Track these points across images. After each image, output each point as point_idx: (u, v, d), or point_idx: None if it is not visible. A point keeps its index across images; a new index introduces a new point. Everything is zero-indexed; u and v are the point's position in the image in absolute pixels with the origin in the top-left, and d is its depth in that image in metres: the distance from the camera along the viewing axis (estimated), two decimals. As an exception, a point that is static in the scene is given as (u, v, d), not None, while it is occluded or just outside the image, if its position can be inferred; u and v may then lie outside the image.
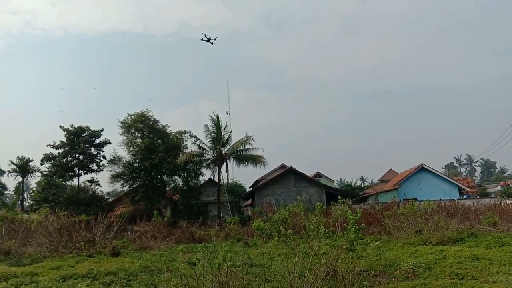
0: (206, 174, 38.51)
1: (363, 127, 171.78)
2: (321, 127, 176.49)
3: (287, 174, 36.91)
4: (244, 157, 34.88)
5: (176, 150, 35.38)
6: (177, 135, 36.86)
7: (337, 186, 70.08)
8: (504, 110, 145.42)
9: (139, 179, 34.21)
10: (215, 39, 42.42)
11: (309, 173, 47.97)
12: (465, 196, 43.52)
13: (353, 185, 70.23)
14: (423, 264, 10.35)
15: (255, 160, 34.40)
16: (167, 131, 36.17)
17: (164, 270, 9.44)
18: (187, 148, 36.31)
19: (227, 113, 45.34)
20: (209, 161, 35.44)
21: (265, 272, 7.13)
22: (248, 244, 17.55)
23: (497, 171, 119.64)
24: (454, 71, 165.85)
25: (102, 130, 36.18)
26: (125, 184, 35.05)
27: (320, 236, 7.71)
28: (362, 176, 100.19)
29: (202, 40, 42.58)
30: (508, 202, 29.34)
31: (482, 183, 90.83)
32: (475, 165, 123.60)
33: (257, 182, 46.25)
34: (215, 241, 18.95)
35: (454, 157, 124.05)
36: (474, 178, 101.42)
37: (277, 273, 6.84)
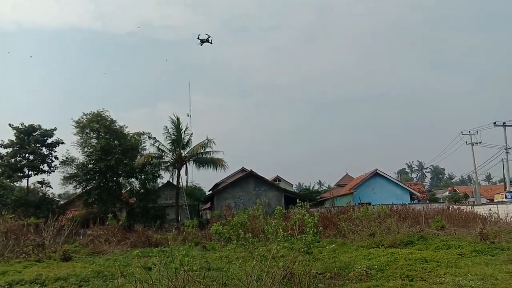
0: (165, 177, 37.78)
1: (321, 132, 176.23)
2: (281, 132, 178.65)
3: (247, 177, 37.00)
4: (204, 160, 34.54)
5: (133, 151, 34.42)
6: (135, 136, 35.90)
7: (295, 190, 71.05)
8: (453, 119, 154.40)
9: (93, 181, 32.94)
10: (210, 38, 39.42)
11: (269, 177, 48.33)
12: (415, 200, 45.61)
13: (311, 189, 71.51)
14: (376, 266, 10.74)
15: (215, 163, 34.17)
16: (125, 132, 35.15)
17: (118, 275, 9.17)
18: (145, 150, 35.44)
19: (188, 115, 44.76)
20: (168, 163, 34.77)
21: (222, 276, 7.11)
22: (206, 248, 17.40)
23: (445, 177, 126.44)
24: (406, 82, 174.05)
25: (55, 129, 34.58)
26: (78, 186, 33.62)
27: (278, 240, 7.80)
28: (319, 181, 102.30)
29: (199, 42, 39.34)
30: (455, 207, 31.09)
31: (431, 189, 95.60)
32: (425, 172, 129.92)
33: (216, 185, 46.01)
34: (173, 245, 18.69)
35: (406, 164, 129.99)
36: (424, 183, 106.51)
37: (235, 276, 6.83)
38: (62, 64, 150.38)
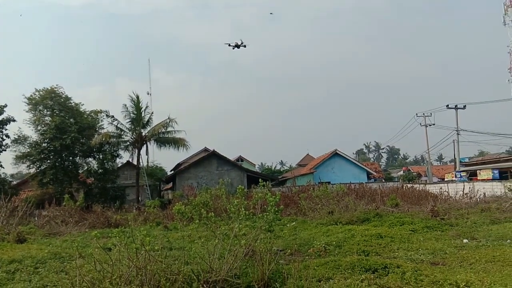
0: (124, 157, 36.94)
1: (283, 112, 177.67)
2: (243, 112, 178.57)
3: (209, 157, 36.85)
4: (165, 139, 33.97)
5: (90, 130, 33.26)
6: (92, 114, 34.61)
7: (258, 170, 71.76)
8: (409, 101, 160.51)
9: (48, 161, 31.59)
10: (243, 44, 39.06)
11: (232, 157, 48.46)
12: (372, 180, 47.45)
13: (273, 169, 72.57)
14: (334, 243, 11.12)
15: (177, 143, 33.73)
16: (81, 109, 33.79)
17: (76, 256, 8.93)
18: (103, 128, 34.35)
19: (148, 94, 43.76)
20: (128, 143, 33.92)
21: (184, 255, 7.10)
22: (168, 228, 17.29)
23: (400, 157, 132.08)
24: (367, 65, 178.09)
25: (5, 106, 32.49)
26: (31, 165, 32.13)
27: (240, 218, 7.86)
28: (281, 161, 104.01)
29: (230, 46, 38.82)
30: (408, 185, 32.67)
31: (387, 168, 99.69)
32: (382, 152, 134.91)
33: (178, 165, 45.54)
34: (133, 226, 18.40)
35: (364, 144, 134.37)
36: (380, 163, 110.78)
37: (197, 255, 6.85)
38: (11, 36, 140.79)
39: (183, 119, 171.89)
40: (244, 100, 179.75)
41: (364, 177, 44.80)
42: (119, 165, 40.40)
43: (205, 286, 6.30)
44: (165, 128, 33.16)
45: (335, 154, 46.14)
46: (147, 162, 37.99)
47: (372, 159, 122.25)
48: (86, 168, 34.18)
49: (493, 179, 29.48)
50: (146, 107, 33.70)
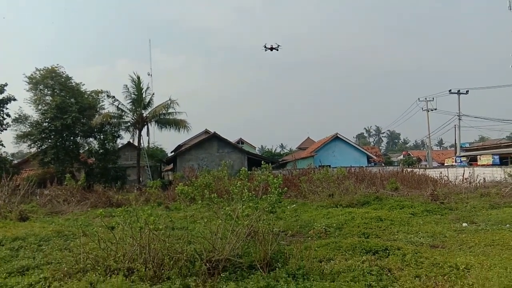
0: (125, 138, 36.87)
1: (285, 96, 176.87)
2: (245, 95, 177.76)
3: (210, 139, 36.84)
4: (166, 121, 33.86)
5: (91, 110, 33.08)
6: (93, 94, 34.35)
7: (258, 153, 71.89)
8: (412, 86, 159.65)
9: (49, 140, 31.53)
10: (277, 47, 39.30)
11: (232, 139, 48.46)
12: (372, 163, 47.60)
13: (273, 152, 72.72)
14: (334, 225, 11.24)
15: (178, 124, 33.62)
16: (82, 89, 33.52)
17: (80, 234, 9.02)
18: (104, 109, 34.10)
19: (148, 75, 43.32)
20: (129, 123, 33.79)
21: (187, 235, 7.18)
22: (170, 208, 17.44)
23: (400, 142, 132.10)
24: (369, 50, 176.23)
25: (6, 85, 32.25)
26: (32, 145, 32.10)
27: (243, 200, 7.91)
28: (282, 144, 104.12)
29: (265, 50, 38.78)
30: (408, 170, 32.77)
31: (387, 152, 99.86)
32: (382, 136, 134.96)
33: (179, 146, 45.55)
34: (135, 206, 18.55)
35: (365, 128, 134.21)
36: (380, 147, 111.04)
37: (200, 235, 6.92)
38: (13, 15, 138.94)
39: (184, 101, 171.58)
40: (246, 84, 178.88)
41: (364, 161, 44.91)
42: (120, 146, 40.40)
43: (207, 265, 6.38)
44: (166, 109, 33.00)
45: (336, 138, 46.11)
46: (148, 143, 37.99)
47: (372, 143, 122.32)
48: (87, 148, 34.18)
49: (493, 165, 29.56)
50: (147, 88, 33.47)
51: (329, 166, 31.33)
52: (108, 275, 6.21)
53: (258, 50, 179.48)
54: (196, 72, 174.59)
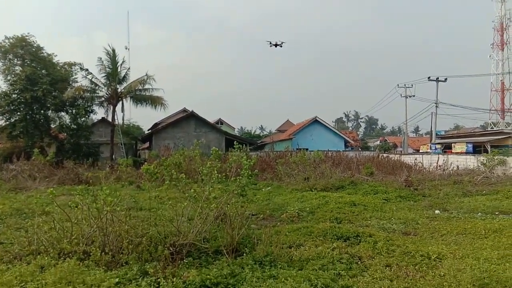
0: (99, 113, 35.75)
1: (267, 77, 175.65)
2: (226, 73, 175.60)
3: (187, 118, 36.09)
4: (142, 97, 32.89)
5: (63, 83, 31.74)
6: (66, 66, 32.99)
7: (237, 134, 71.42)
8: (390, 72, 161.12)
9: (18, 113, 30.15)
10: (280, 44, 42.77)
11: (211, 119, 47.72)
12: (349, 148, 47.87)
13: (252, 133, 72.39)
14: (308, 209, 11.04)
15: (155, 101, 32.73)
16: (54, 61, 32.05)
17: (38, 213, 8.49)
18: (77, 82, 32.83)
19: (126, 48, 42.00)
20: (103, 98, 32.69)
21: (151, 217, 6.77)
22: (141, 187, 16.89)
23: (378, 127, 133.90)
24: (352, 33, 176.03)
25: (-28, 53, 30.58)
26: (0, 117, 30.71)
27: (212, 181, 7.52)
28: (261, 126, 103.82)
29: (270, 45, 42.60)
30: (384, 155, 33.06)
31: (364, 138, 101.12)
32: (360, 121, 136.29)
33: (156, 124, 44.56)
34: (105, 184, 17.94)
35: (344, 113, 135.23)
36: (358, 132, 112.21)
37: (164, 217, 6.52)
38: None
39: (163, 78, 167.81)
40: (228, 63, 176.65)
41: (342, 145, 45.10)
42: (93, 122, 39.25)
43: (171, 249, 6.00)
44: (142, 85, 32.01)
45: (315, 121, 46.04)
46: (123, 119, 37.03)
47: (351, 128, 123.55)
48: (58, 122, 32.93)
49: (467, 153, 30.09)
50: (123, 61, 32.31)
51: (307, 149, 31.24)
52: (62, 258, 5.76)
53: (245, 29, 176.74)
54: (178, 47, 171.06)
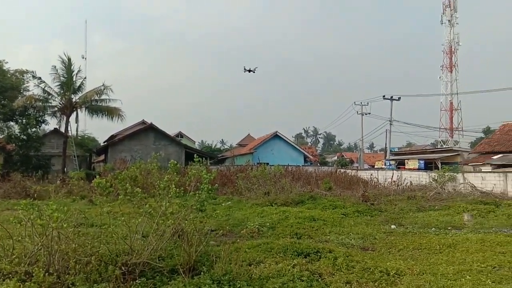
0: (51, 123, 34.12)
1: (227, 91, 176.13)
2: (187, 87, 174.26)
3: (146, 130, 35.14)
4: (99, 108, 31.73)
5: (14, 91, 30.15)
6: (17, 74, 31.36)
7: (198, 147, 70.55)
8: (346, 89, 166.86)
9: (-39, 122, 28.19)
10: (254, 69, 45.66)
11: (171, 132, 46.79)
12: (308, 163, 48.61)
13: (213, 147, 71.67)
14: (268, 224, 10.91)
15: (112, 112, 31.67)
16: (4, 68, 30.37)
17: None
18: (28, 90, 31.30)
19: (83, 58, 40.62)
20: (56, 108, 31.21)
21: (101, 234, 6.34)
22: (93, 202, 16.06)
23: (335, 143, 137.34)
24: (312, 47, 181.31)
25: None
26: None
27: (170, 196, 7.22)
28: (222, 139, 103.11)
29: (244, 71, 45.30)
30: (341, 170, 33.78)
31: (323, 153, 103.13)
32: (319, 137, 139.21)
33: (112, 136, 43.02)
34: (55, 198, 16.91)
35: (303, 128, 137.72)
36: (317, 148, 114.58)
37: (116, 234, 6.13)
38: None
39: (122, 90, 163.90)
40: (189, 75, 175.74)
41: (301, 160, 45.69)
42: (45, 132, 37.38)
43: (123, 269, 5.63)
44: (98, 95, 30.92)
45: (276, 136, 46.44)
46: (77, 131, 35.49)
47: (309, 144, 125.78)
48: (6, 132, 31.04)
49: (419, 169, 31.34)
50: (79, 71, 31.14)
51: (268, 163, 31.28)
52: (0, 279, 5.23)
53: (203, 41, 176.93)
54: (137, 60, 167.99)
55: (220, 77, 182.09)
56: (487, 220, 12.13)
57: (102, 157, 41.91)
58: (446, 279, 5.71)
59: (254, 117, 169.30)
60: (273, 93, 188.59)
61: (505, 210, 13.55)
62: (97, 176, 7.15)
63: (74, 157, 33.17)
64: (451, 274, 6.01)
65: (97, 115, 31.79)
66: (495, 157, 27.53)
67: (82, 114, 32.68)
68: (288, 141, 48.99)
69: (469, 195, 18.37)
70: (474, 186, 20.67)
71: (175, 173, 8.20)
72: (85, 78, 31.61)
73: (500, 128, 33.69)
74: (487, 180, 20.95)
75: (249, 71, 45.23)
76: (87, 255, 5.72)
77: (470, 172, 24.04)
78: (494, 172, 22.24)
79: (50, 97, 30.43)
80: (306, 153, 50.31)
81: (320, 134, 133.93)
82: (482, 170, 24.02)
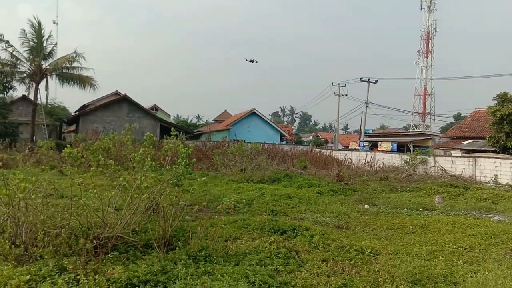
0: (20, 90, 32.55)
1: (204, 67, 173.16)
2: (163, 61, 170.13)
3: (120, 102, 34.13)
4: (70, 76, 30.47)
5: (-21, 55, 28.38)
6: (-18, 37, 29.45)
7: (173, 122, 69.43)
8: (325, 70, 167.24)
9: None
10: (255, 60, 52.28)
11: (146, 105, 45.69)
12: (284, 141, 48.79)
13: (189, 122, 70.77)
14: (244, 200, 10.87)
15: (84, 81, 30.50)
16: (-33, 29, 28.49)
17: None
18: (-5, 55, 29.50)
19: (54, 23, 38.75)
20: (25, 74, 29.75)
21: (71, 206, 6.07)
22: (63, 173, 15.56)
23: (311, 123, 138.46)
24: (291, 29, 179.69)
25: None
26: None
27: (145, 169, 6.98)
28: (198, 115, 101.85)
29: (246, 60, 51.73)
30: (316, 150, 34.09)
31: (298, 132, 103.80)
32: (295, 116, 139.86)
33: (84, 106, 41.68)
34: (23, 167, 16.25)
35: (280, 107, 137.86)
36: (293, 127, 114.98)
37: (87, 207, 5.87)
38: None
39: (95, 59, 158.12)
40: (165, 50, 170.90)
41: (278, 139, 45.80)
42: (13, 99, 35.79)
43: (94, 242, 5.41)
44: (70, 62, 29.64)
45: (253, 113, 46.19)
46: (46, 99, 33.99)
47: (286, 122, 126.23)
48: (-29, 98, 29.46)
49: (392, 151, 32.01)
50: (50, 36, 29.62)
51: (244, 140, 31.17)
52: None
53: (181, 17, 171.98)
54: (111, 31, 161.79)
55: (198, 54, 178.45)
56: (457, 202, 12.52)
57: (73, 127, 40.60)
58: (420, 259, 5.81)
59: (232, 94, 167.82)
60: (250, 72, 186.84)
61: (473, 193, 14.00)
62: (68, 146, 6.79)
63: (44, 126, 31.94)
64: (425, 254, 6.13)
65: (68, 83, 30.55)
66: (465, 142, 28.39)
67: (53, 81, 31.34)
68: (265, 119, 48.85)
69: (440, 178, 18.90)
70: (445, 170, 21.29)
71: (150, 146, 7.95)
72: (56, 44, 30.18)
73: (471, 114, 34.64)
74: (457, 164, 21.61)
75: (251, 61, 51.97)
76: (56, 227, 5.46)
77: (441, 156, 24.71)
78: (463, 156, 22.93)
79: (18, 62, 28.96)
80: (282, 131, 50.39)
81: (296, 113, 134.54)
82: (453, 155, 24.74)
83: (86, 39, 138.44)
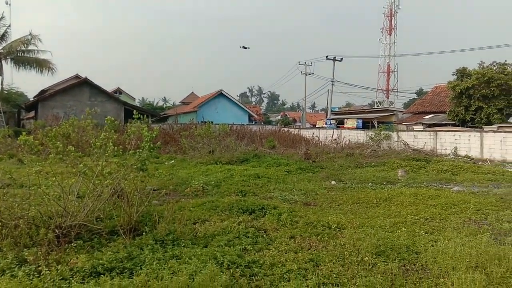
0: (-29, 75, 30.61)
1: (170, 47, 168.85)
2: (127, 42, 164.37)
3: (80, 85, 32.81)
4: (26, 59, 28.94)
5: None
6: None
7: (138, 105, 67.70)
8: (293, 50, 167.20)
9: None
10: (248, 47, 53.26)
11: (109, 88, 44.21)
12: (253, 122, 48.79)
13: (155, 105, 69.23)
14: (213, 182, 10.82)
15: (41, 64, 29.08)
16: None
17: None
18: None
19: (6, 3, 36.27)
20: (-25, 58, 27.98)
21: (29, 195, 5.82)
22: (23, 162, 14.91)
23: (279, 103, 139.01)
24: (260, 11, 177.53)
25: None
26: None
27: (107, 154, 6.76)
28: (165, 97, 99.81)
29: (240, 47, 57.91)
30: (285, 129, 34.36)
31: (267, 112, 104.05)
32: (263, 96, 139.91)
33: (43, 91, 39.81)
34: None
35: (248, 87, 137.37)
36: (261, 107, 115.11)
37: (48, 195, 5.65)
38: None
39: (54, 42, 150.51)
40: (129, 30, 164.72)
41: (246, 119, 45.75)
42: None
43: (56, 231, 5.24)
44: (25, 45, 28.11)
45: (220, 94, 45.76)
46: (2, 84, 32.24)
47: (254, 103, 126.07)
48: None
49: (357, 128, 32.70)
50: (2, 17, 27.86)
51: (212, 122, 30.88)
52: None
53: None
54: (72, 9, 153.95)
55: (164, 35, 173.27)
56: (419, 175, 13.01)
57: (32, 113, 38.80)
58: (384, 231, 6.02)
59: (198, 76, 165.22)
60: (218, 52, 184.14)
61: (434, 166, 14.58)
62: (24, 134, 6.45)
63: (0, 113, 30.34)
64: (388, 226, 6.36)
65: (25, 68, 29.04)
66: (426, 117, 29.39)
67: (8, 66, 29.61)
68: (233, 99, 48.56)
69: (403, 152, 19.54)
70: (407, 144, 22.03)
71: (112, 131, 7.69)
72: (9, 26, 28.46)
73: (432, 89, 35.79)
74: (419, 138, 22.40)
75: (244, 47, 57.43)
76: (15, 218, 5.24)
77: (404, 130, 25.53)
78: (425, 131, 23.77)
79: (-33, 45, 27.13)
80: (251, 112, 50.34)
81: (264, 93, 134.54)
82: (415, 129, 25.57)
83: (43, 20, 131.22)
